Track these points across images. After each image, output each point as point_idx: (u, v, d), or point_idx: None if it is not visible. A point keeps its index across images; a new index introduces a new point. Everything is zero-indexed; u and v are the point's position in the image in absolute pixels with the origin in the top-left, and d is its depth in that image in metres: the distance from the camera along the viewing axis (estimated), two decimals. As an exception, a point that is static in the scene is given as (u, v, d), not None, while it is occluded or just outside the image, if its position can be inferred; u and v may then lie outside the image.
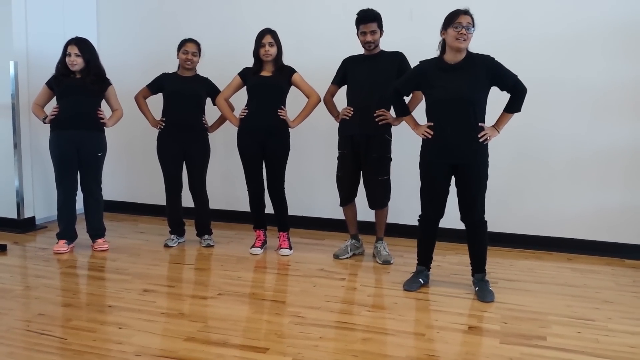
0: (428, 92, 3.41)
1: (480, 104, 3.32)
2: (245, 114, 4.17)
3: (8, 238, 4.61)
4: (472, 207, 3.38)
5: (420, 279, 3.58)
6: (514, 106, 3.37)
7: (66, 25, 5.13)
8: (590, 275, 3.90)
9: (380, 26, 3.95)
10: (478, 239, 3.45)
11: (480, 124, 3.30)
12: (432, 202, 3.47)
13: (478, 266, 3.47)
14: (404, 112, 3.64)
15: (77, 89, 4.15)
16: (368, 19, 3.90)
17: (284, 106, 4.20)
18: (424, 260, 3.62)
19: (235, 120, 4.25)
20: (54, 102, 4.25)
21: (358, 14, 3.95)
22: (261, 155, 4.22)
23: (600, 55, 4.28)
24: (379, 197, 4.09)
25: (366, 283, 3.69)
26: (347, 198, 4.18)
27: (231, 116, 4.30)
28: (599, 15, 4.24)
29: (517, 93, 3.33)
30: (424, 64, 3.43)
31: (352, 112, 4.01)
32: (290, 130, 4.23)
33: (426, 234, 3.58)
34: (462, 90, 3.24)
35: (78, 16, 5.36)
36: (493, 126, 3.38)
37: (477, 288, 3.43)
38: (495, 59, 3.29)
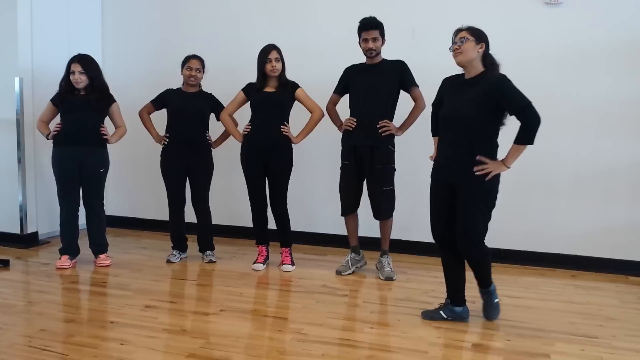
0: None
1: (481, 124, 3.05)
2: (249, 129, 4.20)
3: (11, 253, 4.61)
4: (462, 231, 3.10)
5: (443, 313, 3.29)
6: (521, 137, 2.98)
7: (71, 41, 5.18)
8: (594, 293, 3.88)
9: (382, 34, 3.97)
10: (471, 265, 3.19)
11: (479, 157, 3.03)
12: (432, 218, 3.29)
13: (479, 282, 3.32)
14: (434, 131, 3.47)
15: (81, 105, 4.17)
16: (370, 26, 3.94)
17: (287, 122, 4.22)
18: (448, 289, 3.32)
19: (238, 136, 4.26)
20: (58, 119, 4.28)
21: (360, 21, 3.99)
22: (264, 171, 4.23)
23: (604, 72, 4.29)
24: (384, 208, 4.08)
25: (369, 299, 3.67)
26: (349, 208, 4.17)
27: (235, 132, 4.32)
28: (602, 33, 4.26)
29: (523, 122, 2.97)
30: (445, 80, 3.35)
31: (355, 123, 4.03)
32: (293, 145, 4.25)
33: (441, 256, 3.31)
34: (459, 107, 3.10)
35: (83, 33, 5.40)
36: (502, 160, 3.04)
37: (482, 301, 3.34)
38: (508, 82, 3.01)
